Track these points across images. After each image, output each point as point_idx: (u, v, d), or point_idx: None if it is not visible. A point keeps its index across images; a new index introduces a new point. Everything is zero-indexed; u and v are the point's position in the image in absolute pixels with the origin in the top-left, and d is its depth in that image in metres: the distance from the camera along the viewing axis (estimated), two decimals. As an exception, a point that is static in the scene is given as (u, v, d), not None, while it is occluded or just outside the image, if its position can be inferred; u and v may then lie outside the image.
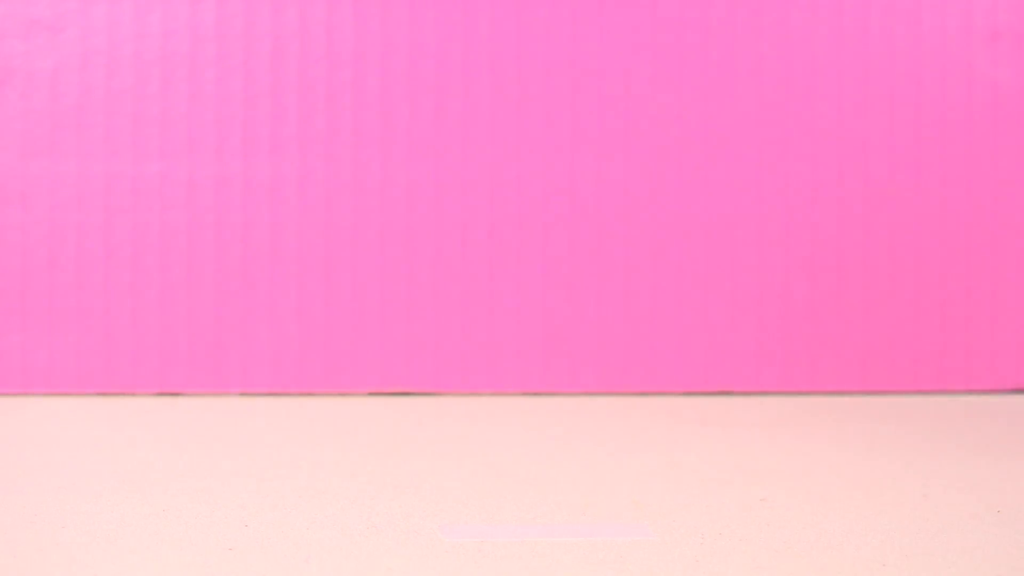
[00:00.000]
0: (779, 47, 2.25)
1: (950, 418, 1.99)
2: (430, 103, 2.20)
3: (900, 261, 2.27)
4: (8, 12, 2.14)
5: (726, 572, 1.06)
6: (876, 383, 2.27)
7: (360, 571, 1.06)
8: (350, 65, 2.19)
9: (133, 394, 2.16)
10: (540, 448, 1.67)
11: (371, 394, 2.19)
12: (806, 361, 2.26)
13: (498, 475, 1.48)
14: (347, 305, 2.19)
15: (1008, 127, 2.28)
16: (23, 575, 1.04)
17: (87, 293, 2.15)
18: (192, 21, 2.16)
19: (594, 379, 2.22)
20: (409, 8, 2.20)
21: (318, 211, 2.18)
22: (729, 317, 2.24)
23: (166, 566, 1.07)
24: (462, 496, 1.36)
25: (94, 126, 2.15)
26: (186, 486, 1.40)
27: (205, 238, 2.17)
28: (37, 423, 1.88)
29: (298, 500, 1.33)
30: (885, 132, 2.26)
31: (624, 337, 2.22)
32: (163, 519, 1.24)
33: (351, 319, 2.19)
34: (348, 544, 1.15)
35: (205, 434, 1.78)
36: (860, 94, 2.26)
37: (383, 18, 2.19)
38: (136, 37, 2.16)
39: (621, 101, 2.22)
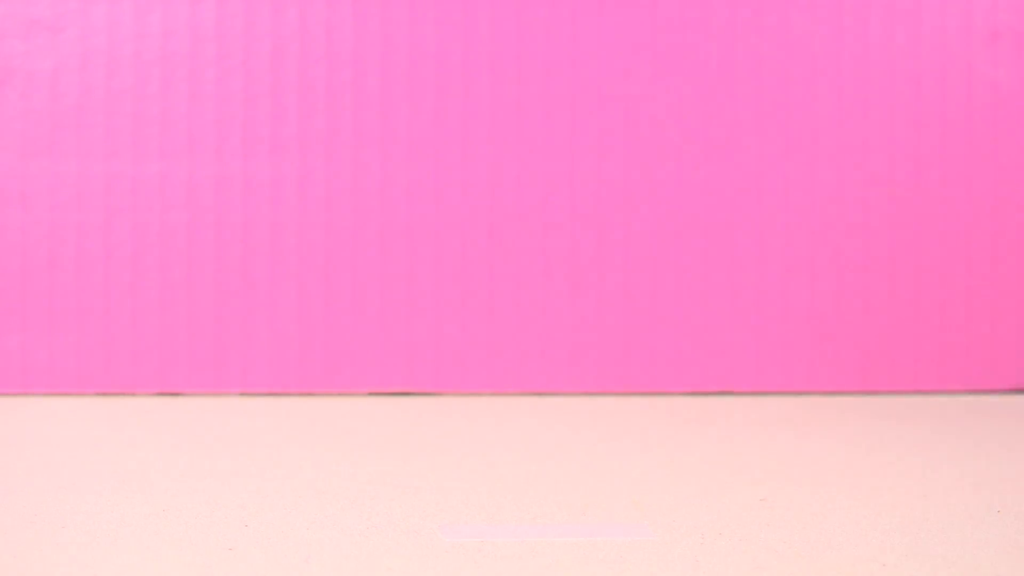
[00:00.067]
0: (779, 47, 2.25)
1: (950, 418, 1.99)
2: (430, 103, 2.20)
3: (900, 261, 2.27)
4: (8, 12, 2.14)
5: (726, 572, 1.06)
6: (876, 383, 2.27)
7: (360, 571, 1.06)
8: (350, 65, 2.19)
9: (133, 394, 2.16)
10: (540, 448, 1.67)
11: (371, 394, 2.19)
12: (806, 361, 2.26)
13: (498, 475, 1.48)
14: (347, 305, 2.19)
15: (1008, 127, 2.28)
16: (23, 575, 1.04)
17: (87, 293, 2.15)
18: (192, 21, 2.16)
19: (594, 379, 2.22)
20: (409, 8, 2.20)
21: (318, 211, 2.18)
22: (729, 317, 2.24)
23: (166, 566, 1.07)
24: (462, 496, 1.36)
25: (94, 126, 2.15)
26: (186, 486, 1.40)
27: (205, 238, 2.17)
28: (37, 423, 1.88)
29: (298, 500, 1.33)
30: (885, 132, 2.26)
31: (624, 337, 2.22)
32: (163, 519, 1.24)
33: (351, 319, 2.19)
34: (348, 544, 1.15)
35: (205, 434, 1.78)
36: (860, 94, 2.26)
37: (383, 18, 2.19)
38: (136, 37, 2.16)
39: (621, 101, 2.22)
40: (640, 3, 2.22)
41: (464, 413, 2.01)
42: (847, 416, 2.00)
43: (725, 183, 2.24)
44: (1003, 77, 2.28)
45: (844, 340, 2.26)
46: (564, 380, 2.22)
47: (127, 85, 2.16)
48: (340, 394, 2.18)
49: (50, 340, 2.14)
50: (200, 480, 1.43)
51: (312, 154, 2.18)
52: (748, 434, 1.80)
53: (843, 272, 2.26)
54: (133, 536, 1.17)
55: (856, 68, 2.26)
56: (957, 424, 1.93)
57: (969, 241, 2.28)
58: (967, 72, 2.28)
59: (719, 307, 2.24)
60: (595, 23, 2.22)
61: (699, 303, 2.24)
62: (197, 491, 1.37)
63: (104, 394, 2.15)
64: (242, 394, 2.17)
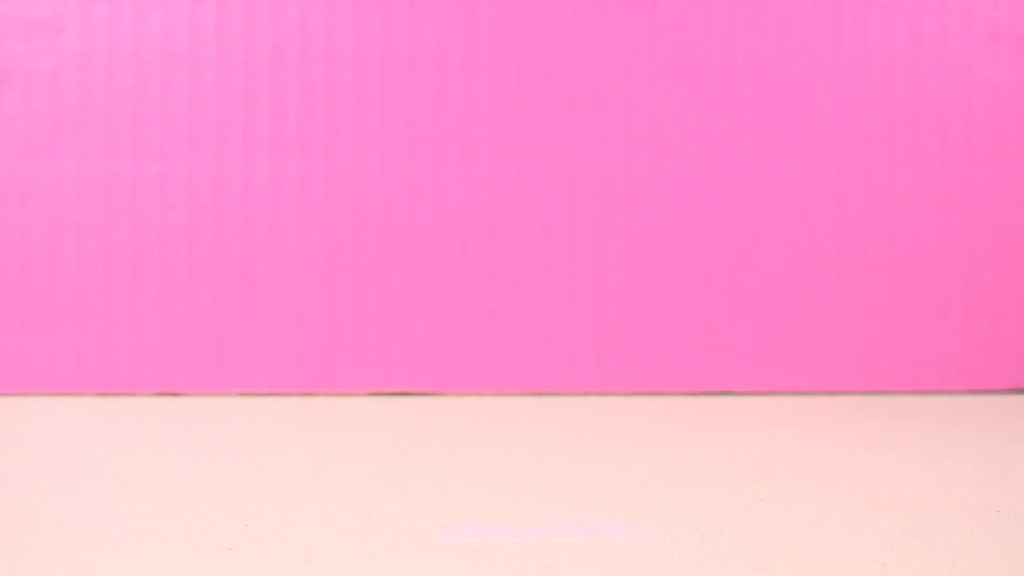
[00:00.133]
0: (779, 47, 2.25)
1: (950, 418, 1.99)
2: (430, 103, 2.20)
3: (900, 261, 2.27)
4: (8, 12, 2.14)
5: (726, 572, 1.06)
6: (876, 383, 2.27)
7: (360, 571, 1.06)
8: (350, 65, 2.19)
9: (133, 394, 2.16)
10: (540, 448, 1.67)
11: (371, 394, 2.19)
12: (806, 361, 2.26)
13: (498, 475, 1.48)
14: (347, 305, 2.19)
15: (1008, 127, 2.28)
16: (23, 575, 1.04)
17: (87, 293, 2.15)
18: (192, 21, 2.16)
19: (594, 379, 2.22)
20: (409, 8, 2.20)
21: (318, 211, 2.18)
22: (729, 317, 2.24)
23: (166, 566, 1.07)
24: (462, 496, 1.36)
25: (94, 126, 2.15)
26: (186, 486, 1.40)
27: (205, 238, 2.17)
28: (37, 423, 1.88)
29: (298, 500, 1.33)
30: (885, 132, 2.26)
31: (624, 337, 2.22)
32: (163, 519, 1.24)
33: (351, 319, 2.19)
34: (348, 544, 1.15)
35: (205, 434, 1.78)
36: (860, 94, 2.26)
37: (383, 18, 2.19)
38: (136, 37, 2.16)
39: (621, 101, 2.22)
40: (640, 3, 2.22)
41: (464, 413, 2.01)
42: (847, 416, 2.00)
43: (725, 183, 2.24)
44: (1003, 77, 2.28)
45: (844, 340, 2.26)
46: (564, 380, 2.22)
47: (127, 85, 2.16)
48: (340, 394, 2.18)
49: (50, 340, 2.14)
50: (200, 480, 1.43)
51: (312, 154, 2.18)
52: (748, 434, 1.80)
53: (843, 272, 2.26)
54: (133, 536, 1.17)
55: (856, 68, 2.26)
56: (957, 424, 1.93)
57: (969, 241, 2.28)
58: (967, 72, 2.28)
59: (719, 307, 2.24)
60: (595, 23, 2.22)
61: (699, 303, 2.24)
62: (197, 491, 1.37)
63: (104, 394, 2.15)
64: (242, 394, 2.17)
